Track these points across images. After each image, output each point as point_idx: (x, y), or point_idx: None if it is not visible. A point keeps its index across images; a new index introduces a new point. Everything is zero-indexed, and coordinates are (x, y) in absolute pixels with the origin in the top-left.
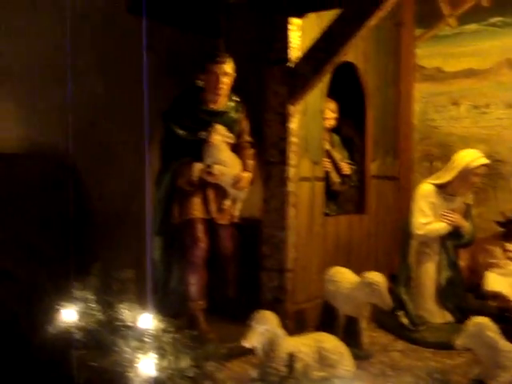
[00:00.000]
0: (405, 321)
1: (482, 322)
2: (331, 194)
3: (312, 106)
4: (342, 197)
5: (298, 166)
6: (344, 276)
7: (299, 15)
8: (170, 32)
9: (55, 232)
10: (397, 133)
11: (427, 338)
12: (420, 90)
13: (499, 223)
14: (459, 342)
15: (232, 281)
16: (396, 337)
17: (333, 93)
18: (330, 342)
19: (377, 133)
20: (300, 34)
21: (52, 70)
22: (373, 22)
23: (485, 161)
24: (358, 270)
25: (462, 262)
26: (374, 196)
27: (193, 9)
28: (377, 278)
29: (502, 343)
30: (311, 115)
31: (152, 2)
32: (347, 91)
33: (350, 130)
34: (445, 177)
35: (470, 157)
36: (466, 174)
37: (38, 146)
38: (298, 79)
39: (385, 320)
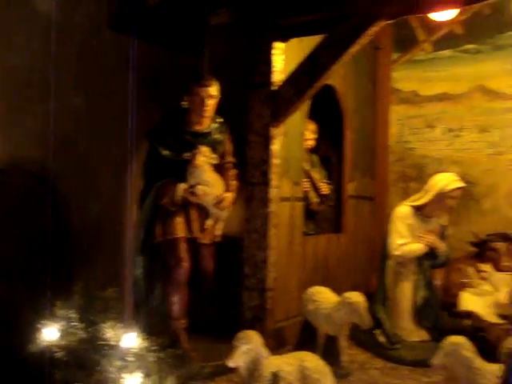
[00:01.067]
0: (382, 339)
1: (458, 341)
2: (310, 214)
3: (293, 128)
4: (320, 216)
5: (278, 186)
6: (324, 295)
7: (283, 39)
8: (154, 50)
9: (34, 248)
10: (373, 154)
11: (404, 356)
12: (396, 113)
13: (472, 244)
14: (435, 360)
15: (210, 299)
16: (374, 355)
17: (313, 114)
18: (313, 361)
19: (354, 153)
20: (283, 58)
21: (33, 86)
22: (356, 48)
23: (460, 184)
24: (335, 289)
25: (437, 282)
26: (351, 216)
27: (177, 27)
28: (356, 297)
29: (478, 362)
30: (292, 137)
31: (134, 19)
32: (326, 112)
33: (328, 150)
34: (421, 199)
35: (446, 180)
36: (441, 196)
37: (18, 162)
38: (282, 102)
39: (362, 338)
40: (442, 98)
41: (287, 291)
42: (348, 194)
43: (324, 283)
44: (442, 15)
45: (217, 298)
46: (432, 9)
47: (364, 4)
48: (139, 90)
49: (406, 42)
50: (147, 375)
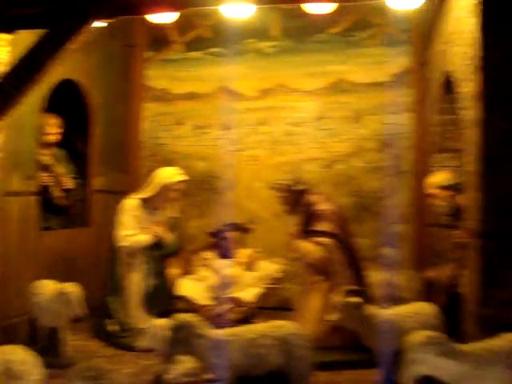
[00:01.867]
0: (112, 328)
1: (158, 324)
2: (55, 208)
3: (25, 122)
4: (71, 211)
5: (5, 180)
6: (46, 288)
7: (8, 31)
8: None
9: None
10: (126, 149)
11: (131, 342)
12: (149, 110)
13: (209, 234)
14: (139, 343)
15: None
16: (106, 344)
17: (59, 108)
18: (16, 354)
19: (104, 148)
20: (9, 49)
21: None
22: (74, 45)
23: (181, 178)
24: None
25: (178, 270)
26: (98, 210)
27: None
28: (70, 288)
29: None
30: (24, 130)
31: None
32: (75, 107)
33: (82, 145)
34: (147, 192)
35: (168, 174)
36: (164, 190)
37: None
38: (2, 95)
39: (97, 329)
40: (191, 96)
41: (20, 287)
42: (95, 188)
43: (69, 277)
44: (160, 18)
45: None
46: (147, 11)
47: (80, 2)
48: None
49: (159, 42)
50: None
